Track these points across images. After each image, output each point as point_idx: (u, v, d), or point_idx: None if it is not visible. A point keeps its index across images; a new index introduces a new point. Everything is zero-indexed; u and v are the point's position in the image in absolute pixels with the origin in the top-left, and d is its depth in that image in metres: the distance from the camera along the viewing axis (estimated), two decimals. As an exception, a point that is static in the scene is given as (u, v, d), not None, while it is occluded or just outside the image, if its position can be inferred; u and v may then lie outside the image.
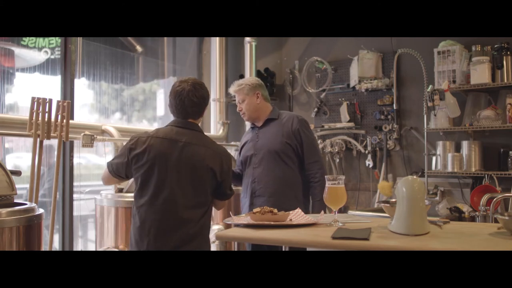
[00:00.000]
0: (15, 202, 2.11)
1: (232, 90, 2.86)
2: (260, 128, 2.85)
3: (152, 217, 2.11)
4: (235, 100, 4.68)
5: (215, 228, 3.64)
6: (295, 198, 2.66)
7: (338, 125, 4.39)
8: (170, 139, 2.16)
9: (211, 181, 2.18)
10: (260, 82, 2.89)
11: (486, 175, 3.33)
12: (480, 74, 3.49)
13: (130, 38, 4.24)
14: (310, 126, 2.90)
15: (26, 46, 3.47)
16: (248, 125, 4.59)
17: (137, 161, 2.15)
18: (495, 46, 3.51)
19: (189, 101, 2.19)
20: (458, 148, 3.75)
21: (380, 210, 2.39)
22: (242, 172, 2.89)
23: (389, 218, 1.79)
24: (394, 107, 4.12)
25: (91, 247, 3.76)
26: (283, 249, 2.07)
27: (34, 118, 2.71)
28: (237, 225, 1.92)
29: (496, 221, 1.91)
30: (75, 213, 3.51)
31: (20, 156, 3.54)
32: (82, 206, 3.64)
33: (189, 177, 2.13)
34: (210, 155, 2.17)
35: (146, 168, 2.13)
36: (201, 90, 2.24)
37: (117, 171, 2.22)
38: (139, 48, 4.34)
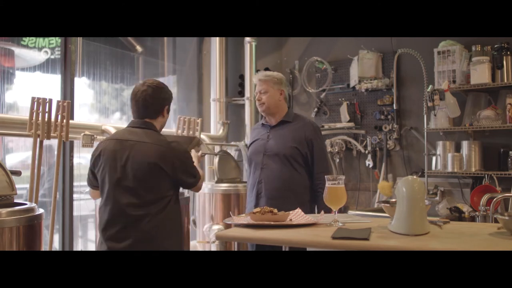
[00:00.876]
0: (15, 202, 2.11)
1: (257, 77, 2.80)
2: (273, 127, 2.80)
3: (105, 218, 2.14)
4: (235, 100, 4.76)
5: (215, 228, 3.65)
6: (301, 203, 2.50)
7: (338, 125, 4.39)
8: (121, 140, 2.19)
9: (162, 177, 2.16)
10: (286, 81, 2.86)
11: (486, 175, 3.33)
12: (480, 74, 3.50)
13: (130, 38, 4.24)
14: (322, 134, 2.87)
15: (26, 46, 3.47)
16: (248, 125, 4.62)
17: (96, 165, 2.22)
18: (495, 46, 3.51)
19: (143, 101, 2.22)
20: (458, 148, 3.75)
21: (380, 210, 2.38)
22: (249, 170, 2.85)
23: (389, 218, 1.79)
24: (394, 107, 4.12)
25: (91, 247, 3.76)
26: (283, 249, 2.07)
27: (34, 118, 2.71)
28: (237, 225, 1.92)
29: (496, 221, 1.91)
30: (75, 213, 3.51)
31: (20, 156, 3.54)
32: (82, 206, 3.64)
33: (137, 176, 2.13)
34: (160, 152, 2.15)
35: (101, 171, 2.18)
36: (157, 90, 2.26)
37: (90, 183, 2.29)
38: (139, 48, 4.34)
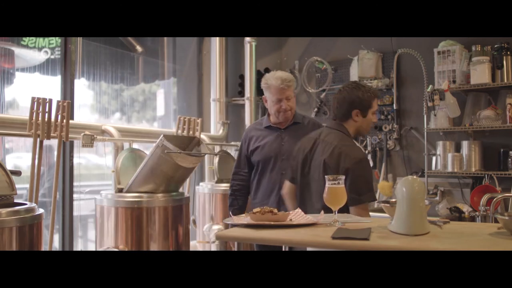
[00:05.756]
0: (15, 202, 2.11)
1: (280, 84, 2.61)
2: (285, 129, 2.69)
3: None
4: (235, 100, 4.75)
5: (215, 228, 3.65)
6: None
7: (338, 125, 4.38)
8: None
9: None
10: None
11: (486, 175, 3.33)
12: (480, 74, 3.50)
13: (130, 38, 4.24)
14: None
15: (26, 46, 3.47)
16: (248, 125, 4.61)
17: None
18: (495, 46, 3.51)
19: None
20: (458, 148, 3.75)
21: (380, 210, 2.38)
22: (244, 180, 2.75)
23: (389, 218, 1.79)
24: (394, 107, 4.12)
25: (91, 247, 3.76)
26: (283, 249, 2.07)
27: (34, 118, 2.70)
28: (237, 225, 1.92)
29: (496, 221, 1.91)
30: (75, 213, 3.50)
31: (20, 156, 3.54)
32: (82, 206, 3.64)
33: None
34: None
35: None
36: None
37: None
38: (139, 48, 4.34)
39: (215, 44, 4.58)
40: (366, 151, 4.25)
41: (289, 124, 2.69)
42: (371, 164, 4.22)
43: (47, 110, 2.72)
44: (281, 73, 2.68)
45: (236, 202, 2.81)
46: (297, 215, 1.99)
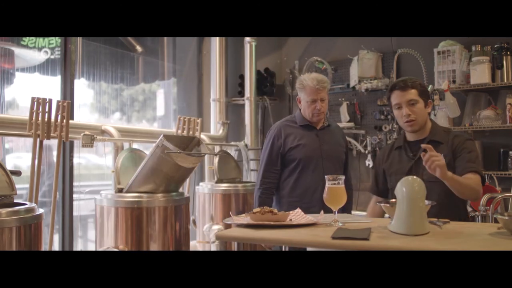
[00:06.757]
0: (15, 202, 2.11)
1: (316, 85, 2.63)
2: (320, 130, 2.74)
3: None
4: (235, 100, 4.75)
5: (215, 228, 3.65)
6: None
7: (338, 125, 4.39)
8: None
9: None
10: None
11: (486, 175, 3.32)
12: (480, 74, 3.50)
13: (130, 38, 4.24)
14: None
15: (26, 46, 3.47)
16: (248, 125, 4.62)
17: None
18: (495, 46, 3.51)
19: None
20: (458, 148, 3.75)
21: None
22: (276, 177, 2.73)
23: (389, 218, 1.79)
24: (394, 107, 4.12)
25: (91, 247, 3.76)
26: (283, 249, 2.07)
27: (34, 118, 2.70)
28: (237, 225, 1.92)
29: (496, 221, 1.91)
30: (75, 213, 3.50)
31: (20, 156, 3.54)
32: (82, 206, 3.64)
33: None
34: None
35: None
36: None
37: None
38: (139, 48, 4.34)
39: (215, 44, 4.58)
40: (366, 151, 4.25)
41: (325, 126, 2.77)
42: (371, 164, 4.22)
43: (47, 110, 2.72)
44: (316, 75, 2.72)
45: (269, 200, 2.73)
46: (297, 215, 1.99)
